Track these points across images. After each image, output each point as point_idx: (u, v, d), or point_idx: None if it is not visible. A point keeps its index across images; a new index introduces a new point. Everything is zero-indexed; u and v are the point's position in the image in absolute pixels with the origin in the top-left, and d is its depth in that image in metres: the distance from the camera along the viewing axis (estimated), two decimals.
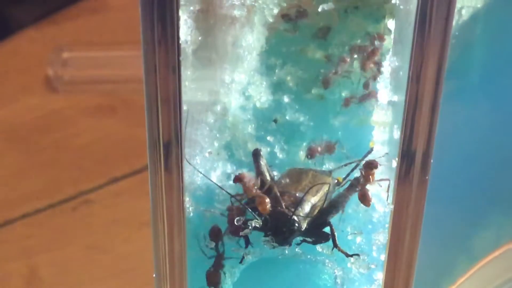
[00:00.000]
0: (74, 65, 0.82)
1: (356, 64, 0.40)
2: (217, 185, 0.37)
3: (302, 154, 0.39)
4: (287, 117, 0.40)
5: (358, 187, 0.36)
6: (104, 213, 0.73)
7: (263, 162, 0.37)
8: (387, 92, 0.39)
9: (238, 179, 0.36)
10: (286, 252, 0.36)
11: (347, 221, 0.37)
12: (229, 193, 0.36)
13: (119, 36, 0.81)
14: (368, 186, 0.35)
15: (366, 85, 0.39)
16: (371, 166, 0.35)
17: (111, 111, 0.80)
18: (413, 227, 0.33)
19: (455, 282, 0.47)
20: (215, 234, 0.36)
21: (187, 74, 0.37)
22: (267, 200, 0.34)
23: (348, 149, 0.39)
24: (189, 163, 0.36)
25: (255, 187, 0.35)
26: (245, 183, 0.35)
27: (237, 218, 0.35)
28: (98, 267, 0.71)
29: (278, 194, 0.35)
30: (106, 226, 0.73)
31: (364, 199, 0.35)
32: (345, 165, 0.38)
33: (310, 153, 0.39)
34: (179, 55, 0.30)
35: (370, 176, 0.35)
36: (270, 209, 0.34)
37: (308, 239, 0.36)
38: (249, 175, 0.36)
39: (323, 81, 0.40)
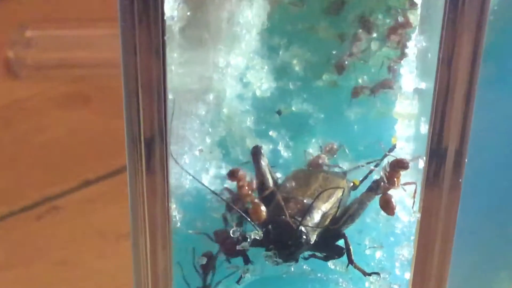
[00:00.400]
0: (39, 46, 0.82)
1: (375, 45, 0.40)
2: (209, 189, 0.37)
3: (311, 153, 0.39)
4: (293, 108, 0.40)
5: (379, 192, 0.35)
6: (74, 222, 0.73)
7: (264, 162, 0.37)
8: (413, 78, 0.39)
9: (231, 174, 0.36)
10: (292, 269, 0.36)
11: (365, 233, 0.37)
12: (223, 199, 0.36)
13: (93, 12, 0.81)
14: (391, 191, 0.35)
15: (390, 70, 0.39)
16: (399, 166, 0.35)
17: (83, 101, 0.80)
18: (443, 239, 0.33)
19: None
20: (205, 264, 0.36)
21: (174, 56, 0.37)
22: (262, 207, 0.34)
23: (366, 146, 0.39)
24: (177, 163, 0.36)
25: (250, 191, 0.36)
26: (240, 179, 0.35)
27: (234, 229, 0.35)
28: (67, 286, 0.71)
29: (282, 201, 0.35)
30: (77, 238, 0.73)
31: (387, 206, 0.35)
32: (363, 165, 0.38)
33: (313, 166, 0.39)
34: (163, 34, 0.30)
35: (396, 179, 0.35)
36: (266, 218, 0.34)
37: (319, 254, 0.36)
38: (246, 174, 0.36)
39: (336, 66, 0.40)
